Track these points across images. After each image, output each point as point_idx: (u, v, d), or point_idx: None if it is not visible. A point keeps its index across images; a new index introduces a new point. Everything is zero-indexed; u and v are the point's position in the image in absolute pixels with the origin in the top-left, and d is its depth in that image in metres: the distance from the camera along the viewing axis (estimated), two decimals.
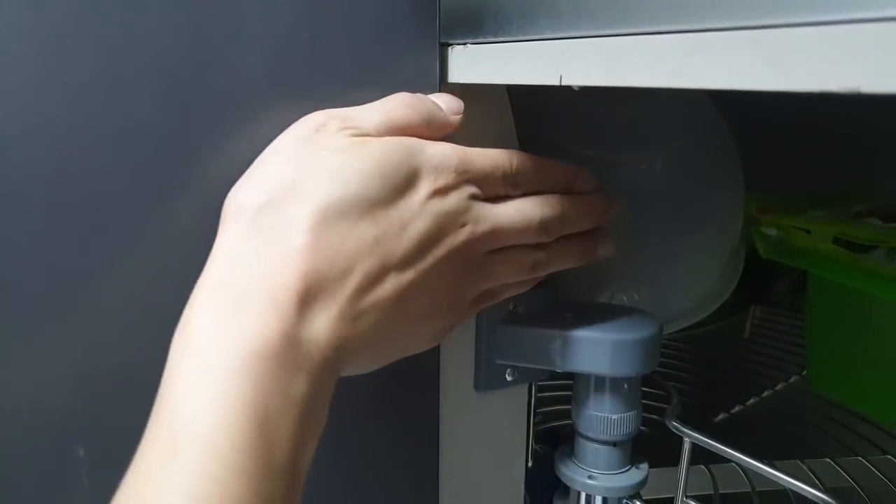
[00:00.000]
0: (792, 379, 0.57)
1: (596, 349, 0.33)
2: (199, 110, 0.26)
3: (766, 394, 0.54)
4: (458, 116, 0.29)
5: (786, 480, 0.32)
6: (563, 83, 0.23)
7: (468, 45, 0.29)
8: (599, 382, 0.36)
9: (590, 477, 0.36)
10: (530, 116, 0.34)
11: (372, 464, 0.34)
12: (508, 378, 0.36)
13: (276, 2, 0.26)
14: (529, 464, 0.40)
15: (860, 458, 0.46)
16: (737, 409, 0.52)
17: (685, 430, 0.35)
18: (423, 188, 0.26)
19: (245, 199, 0.25)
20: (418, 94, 0.28)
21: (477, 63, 0.28)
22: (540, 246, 0.31)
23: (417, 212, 0.25)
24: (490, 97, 0.32)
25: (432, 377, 0.34)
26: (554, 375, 0.38)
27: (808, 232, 0.46)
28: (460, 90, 0.30)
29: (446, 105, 0.29)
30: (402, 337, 0.28)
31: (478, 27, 0.29)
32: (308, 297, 0.23)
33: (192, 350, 0.22)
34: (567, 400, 0.38)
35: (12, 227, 0.25)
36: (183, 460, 0.20)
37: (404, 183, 0.25)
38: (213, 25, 0.25)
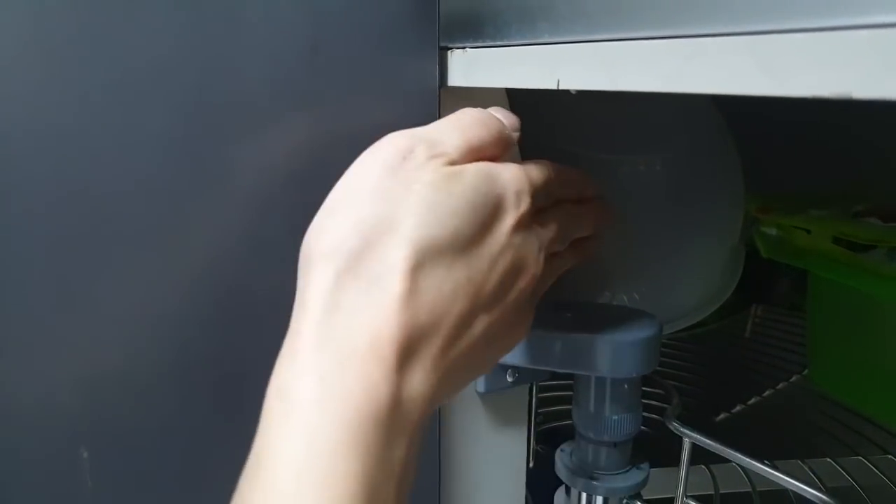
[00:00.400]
0: (793, 378, 0.57)
1: (596, 350, 0.33)
2: (203, 117, 0.26)
3: (766, 393, 0.54)
4: (518, 134, 0.28)
5: (786, 480, 0.32)
6: (561, 87, 0.24)
7: (467, 48, 0.29)
8: (600, 383, 0.36)
9: (590, 477, 0.37)
10: (530, 118, 0.34)
11: None
12: (509, 379, 0.37)
13: (276, 9, 0.26)
14: (531, 464, 0.40)
15: (861, 458, 0.46)
16: (738, 408, 0.52)
17: (685, 430, 0.35)
18: (508, 220, 0.25)
19: (336, 241, 0.22)
20: (482, 110, 0.27)
21: (476, 67, 0.29)
22: (555, 253, 0.30)
23: (505, 245, 0.24)
24: (489, 100, 0.32)
25: None
26: (555, 375, 0.38)
27: (809, 231, 0.46)
28: (460, 93, 0.31)
29: (507, 121, 0.28)
30: (483, 368, 0.27)
31: (477, 31, 0.29)
32: (409, 351, 0.22)
33: (293, 417, 0.20)
34: (568, 400, 0.38)
35: (18, 232, 0.25)
36: None
37: (491, 214, 0.24)
38: (215, 33, 0.26)
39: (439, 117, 0.30)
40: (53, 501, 0.28)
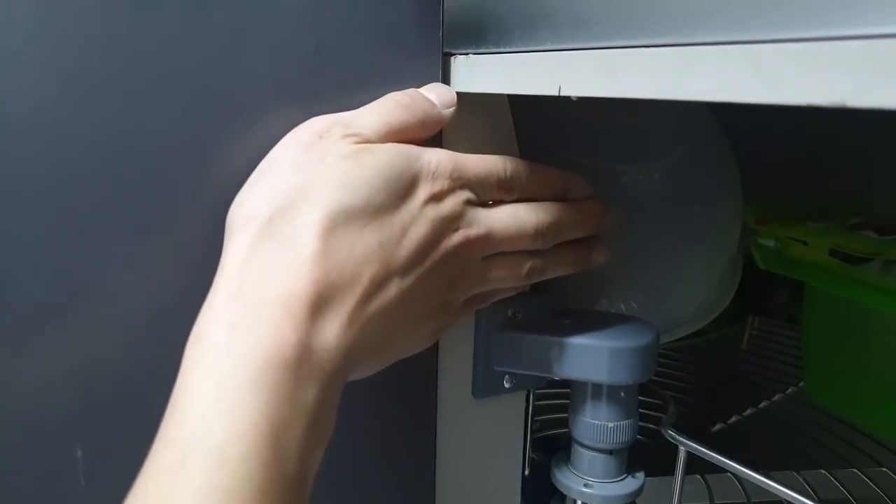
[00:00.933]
0: (789, 390, 0.57)
1: (593, 357, 0.34)
2: (206, 114, 0.26)
3: (763, 404, 0.54)
4: (451, 109, 0.29)
5: (781, 491, 0.32)
6: (562, 94, 0.24)
7: (470, 54, 0.29)
8: (596, 390, 0.36)
9: (586, 485, 0.37)
10: (531, 125, 0.35)
11: (369, 469, 0.34)
12: (506, 385, 0.37)
13: (281, 10, 0.27)
14: (526, 471, 0.40)
15: (855, 470, 0.46)
16: (734, 419, 0.52)
17: (680, 438, 0.35)
18: (421, 194, 0.26)
19: (253, 208, 0.25)
20: (411, 92, 0.29)
21: (478, 73, 0.29)
22: (535, 253, 0.31)
23: (416, 217, 0.26)
24: (491, 106, 0.32)
25: (430, 383, 0.35)
26: (552, 384, 0.38)
27: (805, 243, 0.46)
28: (462, 99, 0.31)
29: (439, 99, 0.29)
30: (401, 340, 0.29)
31: (480, 38, 0.29)
32: (320, 305, 0.23)
33: (205, 361, 0.22)
34: (565, 408, 0.38)
35: (16, 227, 0.25)
36: (194, 471, 0.20)
37: (405, 189, 0.26)
38: (220, 31, 0.26)
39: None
40: (46, 500, 0.28)
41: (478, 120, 0.32)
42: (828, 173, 0.56)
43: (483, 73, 0.29)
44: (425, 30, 0.29)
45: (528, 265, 0.31)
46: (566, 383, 0.37)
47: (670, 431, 0.36)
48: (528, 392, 0.39)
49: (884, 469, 0.46)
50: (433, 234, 0.27)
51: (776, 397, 0.56)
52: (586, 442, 0.37)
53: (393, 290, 0.26)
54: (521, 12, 0.28)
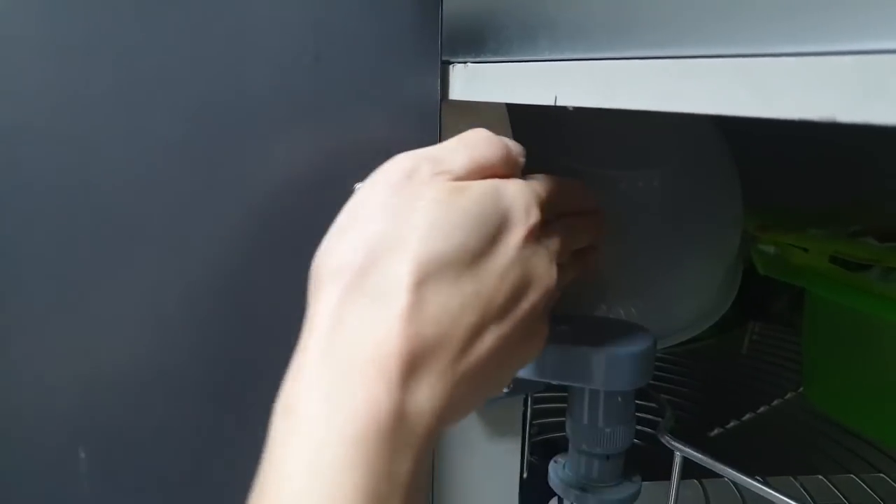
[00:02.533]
0: (788, 395, 0.57)
1: (590, 362, 0.34)
2: (207, 123, 0.27)
3: (761, 409, 0.55)
4: (524, 159, 0.29)
5: (777, 497, 0.32)
6: (559, 103, 0.24)
7: (469, 63, 0.29)
8: (593, 395, 0.36)
9: (583, 489, 0.37)
10: (529, 133, 0.35)
11: None
12: (504, 390, 0.37)
13: (280, 18, 0.27)
14: (524, 475, 0.41)
15: (853, 476, 0.46)
16: (732, 423, 0.52)
17: (676, 444, 0.35)
18: (516, 234, 0.25)
19: (343, 259, 0.23)
20: (492, 133, 0.28)
21: (477, 81, 0.29)
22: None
23: (513, 259, 0.25)
24: (489, 114, 0.33)
25: None
26: (550, 387, 0.38)
27: (806, 250, 0.46)
28: (460, 107, 0.31)
29: (514, 147, 0.28)
30: (496, 385, 0.27)
31: (479, 46, 0.30)
32: (414, 363, 0.22)
33: (300, 430, 0.21)
34: (562, 412, 0.39)
35: (22, 232, 0.25)
36: None
37: (497, 229, 0.24)
38: (220, 39, 0.26)
39: (440, 130, 0.31)
40: (50, 501, 0.28)
41: (476, 128, 0.32)
42: (828, 180, 0.56)
43: (481, 81, 0.29)
44: (424, 38, 0.29)
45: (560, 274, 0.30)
46: (564, 387, 0.37)
47: (666, 436, 0.36)
48: (526, 396, 0.39)
49: (882, 475, 0.46)
50: (528, 273, 0.25)
51: (775, 402, 0.56)
52: (583, 446, 0.37)
53: (489, 339, 0.24)
54: (521, 22, 0.28)
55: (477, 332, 0.23)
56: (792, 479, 0.45)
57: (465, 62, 0.30)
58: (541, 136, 0.39)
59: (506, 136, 0.33)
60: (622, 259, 0.40)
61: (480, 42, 0.30)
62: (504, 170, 0.27)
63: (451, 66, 0.30)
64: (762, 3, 0.18)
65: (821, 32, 0.16)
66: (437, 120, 0.31)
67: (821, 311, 0.51)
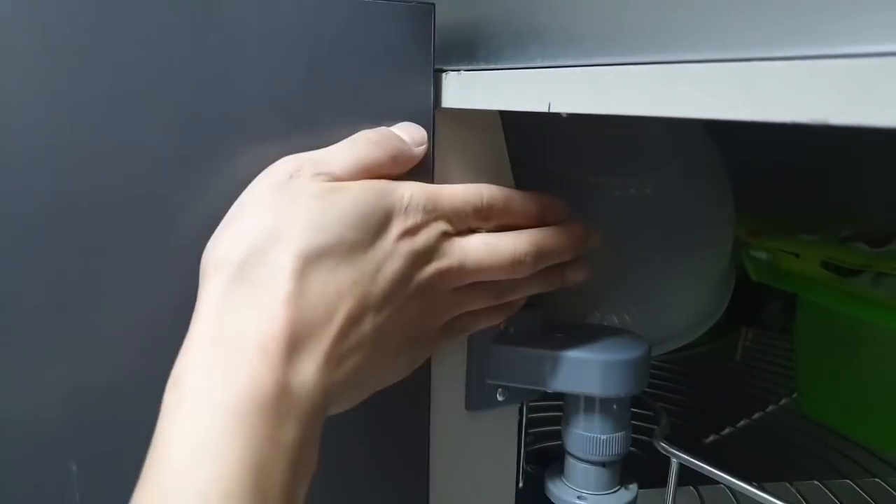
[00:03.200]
0: (782, 401, 0.57)
1: (585, 370, 0.34)
2: (200, 132, 0.27)
3: (756, 416, 0.55)
4: (423, 147, 0.30)
5: (774, 503, 0.32)
6: (552, 110, 0.24)
7: (461, 71, 0.30)
8: (589, 403, 0.36)
9: (579, 497, 0.37)
10: (521, 140, 0.35)
11: (362, 483, 0.34)
12: (499, 398, 0.37)
13: (274, 28, 0.27)
14: (520, 484, 0.40)
15: (848, 481, 0.46)
16: (727, 430, 0.52)
17: (672, 450, 0.35)
18: (395, 229, 0.27)
19: (226, 252, 0.25)
20: (382, 130, 0.29)
21: (470, 89, 0.29)
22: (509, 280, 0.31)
23: (390, 252, 0.26)
24: (482, 122, 0.33)
25: (423, 396, 0.35)
26: (546, 395, 0.38)
27: (797, 256, 0.47)
28: (453, 114, 0.31)
29: (410, 137, 0.29)
30: (378, 373, 0.29)
31: (471, 55, 0.30)
32: (295, 344, 0.23)
33: (185, 405, 0.22)
34: (558, 420, 0.38)
35: (12, 243, 0.25)
36: None
37: (378, 225, 0.26)
38: (213, 50, 0.26)
39: (433, 138, 0.31)
40: None
41: (469, 136, 0.32)
42: (819, 186, 0.56)
43: (474, 89, 0.29)
44: (417, 46, 0.30)
45: (499, 287, 0.31)
46: (559, 395, 0.37)
47: (662, 443, 0.36)
48: (522, 404, 0.39)
49: (876, 479, 0.47)
50: (407, 268, 0.27)
51: (770, 408, 0.56)
52: (579, 454, 0.37)
53: (368, 325, 0.26)
54: (511, 30, 0.28)
55: (356, 318, 0.25)
56: (788, 485, 0.45)
57: (457, 70, 0.30)
58: (533, 143, 0.39)
59: (499, 144, 0.34)
60: (615, 266, 0.40)
61: (472, 50, 0.30)
62: (394, 168, 0.28)
63: (444, 74, 0.30)
64: (751, 8, 0.18)
65: (810, 36, 0.16)
66: (431, 128, 0.31)
67: (813, 316, 0.51)
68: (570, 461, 0.38)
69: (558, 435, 0.38)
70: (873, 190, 0.54)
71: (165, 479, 0.21)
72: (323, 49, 0.28)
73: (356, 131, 0.29)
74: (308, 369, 0.24)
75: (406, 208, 0.27)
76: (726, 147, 0.46)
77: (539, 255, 0.31)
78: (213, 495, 0.20)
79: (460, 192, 0.29)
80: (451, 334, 0.32)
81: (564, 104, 0.24)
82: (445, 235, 0.28)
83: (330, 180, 0.26)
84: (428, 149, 0.30)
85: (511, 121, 0.34)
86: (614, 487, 0.37)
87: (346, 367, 0.25)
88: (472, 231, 0.30)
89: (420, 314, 0.28)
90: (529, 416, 0.44)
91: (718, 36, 0.19)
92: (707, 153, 0.45)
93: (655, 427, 0.38)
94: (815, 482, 0.45)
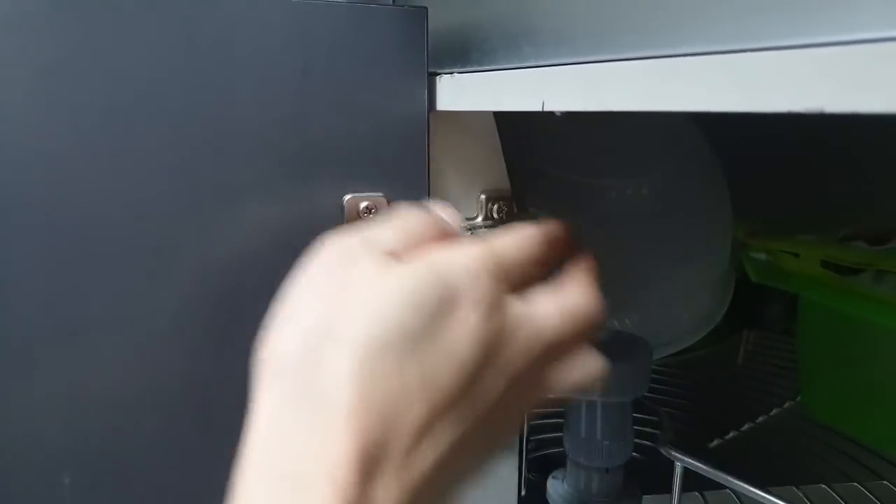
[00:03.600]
0: (786, 404, 0.56)
1: None
2: (193, 136, 0.26)
3: (760, 419, 0.54)
4: (462, 224, 0.27)
5: None
6: (546, 109, 0.24)
7: (455, 73, 0.29)
8: (591, 408, 0.36)
9: None
10: (517, 143, 0.35)
11: None
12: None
13: (267, 32, 0.27)
14: (522, 492, 0.40)
15: (856, 485, 0.45)
16: (731, 434, 0.52)
17: (677, 454, 0.35)
18: (463, 308, 0.22)
19: (279, 353, 0.22)
20: (423, 207, 0.26)
21: (464, 91, 0.29)
22: None
23: (461, 337, 0.22)
24: (477, 124, 0.33)
25: None
26: (546, 402, 0.37)
27: (797, 255, 0.46)
28: (448, 117, 0.31)
29: (448, 217, 0.27)
30: (463, 472, 0.24)
31: (465, 58, 0.30)
32: (365, 466, 0.20)
33: None
34: (559, 427, 0.38)
35: (8, 254, 0.25)
36: None
37: (440, 304, 0.22)
38: (205, 53, 0.26)
39: (428, 141, 0.31)
40: None
41: (464, 138, 0.32)
42: (817, 185, 0.56)
43: (468, 90, 0.29)
44: (411, 50, 0.29)
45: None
46: (560, 402, 0.37)
47: (666, 447, 0.35)
48: None
49: (884, 482, 0.46)
50: (483, 352, 0.22)
51: (774, 412, 0.55)
52: (582, 460, 0.36)
53: (445, 433, 0.22)
54: (504, 32, 0.28)
55: (428, 422, 0.21)
56: (795, 489, 0.44)
57: (451, 73, 0.30)
58: (529, 146, 0.39)
59: (494, 147, 0.34)
60: (612, 269, 0.40)
61: (466, 53, 0.30)
62: (443, 241, 0.25)
63: (438, 78, 0.30)
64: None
65: (802, 25, 0.16)
66: (426, 131, 0.30)
67: (815, 316, 0.51)
68: (572, 467, 0.37)
69: (560, 442, 0.38)
70: (872, 188, 0.53)
71: None
72: (317, 54, 0.28)
73: (351, 136, 0.29)
74: (382, 493, 0.20)
75: (470, 275, 0.23)
76: (723, 148, 0.46)
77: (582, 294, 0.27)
78: None
79: (516, 244, 0.25)
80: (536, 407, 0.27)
81: (558, 102, 0.23)
82: (516, 303, 0.24)
83: (383, 258, 0.23)
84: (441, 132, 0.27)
85: (506, 123, 0.34)
86: (618, 494, 0.37)
87: (425, 478, 0.21)
88: (528, 282, 0.26)
89: (506, 401, 0.24)
90: (530, 423, 0.43)
91: (710, 28, 0.19)
92: (703, 155, 0.45)
93: (658, 433, 0.38)
94: (823, 486, 0.45)
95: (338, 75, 0.28)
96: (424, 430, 0.21)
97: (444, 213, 0.27)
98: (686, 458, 0.34)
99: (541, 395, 0.26)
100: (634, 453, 0.37)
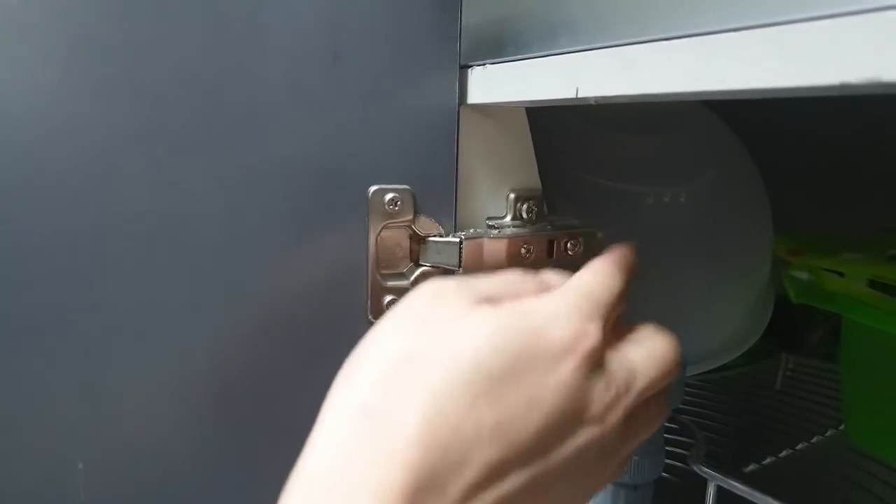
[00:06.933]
0: (828, 433, 0.54)
1: None
2: (223, 119, 0.26)
3: (800, 446, 0.51)
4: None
5: None
6: (580, 95, 0.23)
7: (487, 65, 0.29)
8: None
9: None
10: (552, 148, 0.34)
11: None
12: None
13: (297, 16, 0.27)
14: None
15: None
16: (768, 460, 0.49)
17: (710, 472, 0.33)
18: (549, 352, 0.21)
19: (357, 373, 0.22)
20: (530, 272, 0.26)
21: (495, 83, 0.29)
22: None
23: (546, 385, 0.21)
24: (509, 120, 0.32)
25: None
26: None
27: (842, 275, 0.44)
28: (479, 110, 0.30)
29: (555, 283, 0.26)
30: None
31: (498, 50, 0.29)
32: (418, 497, 0.19)
33: None
34: None
35: (29, 231, 0.25)
36: None
37: (527, 348, 0.21)
38: (236, 36, 0.26)
39: (458, 135, 0.30)
40: None
41: (495, 134, 0.32)
42: (864, 200, 0.54)
43: (500, 82, 0.28)
44: (443, 40, 0.29)
45: (666, 401, 0.26)
46: None
47: (699, 465, 0.34)
48: None
49: None
50: (570, 402, 0.21)
51: (815, 440, 0.53)
52: None
53: (516, 478, 0.21)
54: (540, 24, 0.27)
55: (496, 470, 0.20)
56: None
57: (483, 64, 0.29)
58: (563, 151, 0.38)
59: (525, 145, 0.33)
60: (647, 280, 0.39)
61: (499, 46, 0.29)
62: (542, 292, 0.24)
63: (469, 70, 0.30)
64: None
65: None
66: (455, 124, 0.30)
67: (859, 339, 0.48)
68: None
69: None
70: None
71: None
72: (348, 39, 0.27)
73: (380, 125, 0.28)
74: None
75: (557, 318, 0.22)
76: (764, 161, 0.44)
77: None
78: None
79: (601, 282, 0.24)
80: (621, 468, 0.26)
81: (593, 87, 0.23)
82: (604, 347, 0.23)
83: (475, 301, 0.23)
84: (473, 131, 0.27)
85: (541, 127, 0.33)
86: None
87: None
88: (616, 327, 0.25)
89: (591, 460, 0.22)
90: None
91: (755, 1, 0.18)
92: (744, 166, 0.44)
93: (691, 449, 0.36)
94: None
95: (368, 62, 0.28)
96: (491, 475, 0.20)
97: (552, 275, 0.26)
98: (720, 477, 0.33)
99: (626, 453, 0.24)
100: (664, 473, 0.36)
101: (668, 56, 0.20)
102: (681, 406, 0.33)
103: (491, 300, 0.23)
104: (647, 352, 0.24)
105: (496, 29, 0.30)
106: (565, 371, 0.21)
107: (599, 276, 0.25)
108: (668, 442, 0.36)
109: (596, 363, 0.22)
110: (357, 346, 0.23)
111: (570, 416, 0.21)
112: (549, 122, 0.34)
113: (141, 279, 0.26)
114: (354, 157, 0.28)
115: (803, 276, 0.47)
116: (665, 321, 0.41)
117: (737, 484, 0.32)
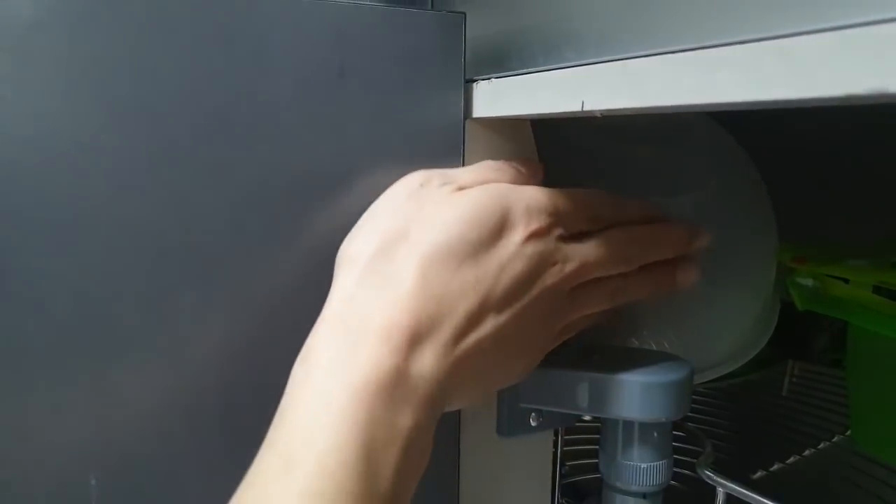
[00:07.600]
0: (835, 438, 0.53)
1: (624, 391, 0.32)
2: (228, 136, 0.27)
3: (807, 453, 0.51)
4: (539, 179, 0.31)
5: None
6: (585, 108, 0.24)
7: (492, 79, 0.29)
8: (628, 428, 0.34)
9: None
10: (557, 159, 0.34)
11: None
12: (533, 423, 0.35)
13: (304, 34, 0.27)
14: None
15: None
16: (776, 466, 0.49)
17: (718, 479, 0.33)
18: (518, 231, 0.28)
19: (360, 247, 0.27)
20: (502, 160, 0.31)
21: (500, 96, 0.29)
22: (621, 274, 0.32)
23: (514, 254, 0.27)
24: (514, 134, 0.32)
25: (452, 420, 0.33)
26: (581, 428, 0.36)
27: (847, 281, 0.44)
28: (484, 124, 0.31)
29: (526, 169, 0.31)
30: (495, 374, 0.29)
31: (502, 64, 0.30)
32: (417, 335, 0.25)
33: (310, 381, 0.24)
34: (595, 453, 0.36)
35: (43, 251, 0.25)
36: (297, 476, 0.22)
37: (499, 226, 0.27)
38: (242, 54, 0.26)
39: (463, 148, 0.31)
40: None
41: (500, 148, 0.32)
42: (869, 207, 0.54)
43: (505, 95, 0.29)
44: (448, 55, 0.29)
45: (612, 286, 0.32)
46: (596, 425, 0.35)
47: (707, 472, 0.34)
48: (558, 433, 0.37)
49: None
50: (530, 270, 0.28)
51: (822, 446, 0.52)
52: (618, 484, 0.35)
53: (489, 325, 0.27)
54: (545, 39, 0.28)
55: (477, 315, 0.26)
56: None
57: (488, 78, 0.29)
58: (569, 162, 0.38)
59: (531, 156, 0.33)
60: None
61: (504, 60, 0.30)
62: (514, 182, 0.30)
63: (475, 84, 0.30)
64: None
65: (859, 3, 0.15)
66: (461, 138, 0.30)
67: (865, 346, 0.48)
68: (608, 492, 0.35)
69: (596, 469, 0.36)
70: None
71: (290, 443, 0.23)
72: (353, 55, 0.28)
73: (386, 139, 0.29)
74: (426, 360, 0.25)
75: (528, 211, 0.28)
76: (768, 169, 0.44)
77: (644, 247, 0.32)
78: (331, 462, 0.22)
79: (576, 197, 0.30)
80: (565, 335, 0.33)
81: (598, 101, 0.23)
82: (562, 238, 0.29)
83: (456, 188, 0.28)
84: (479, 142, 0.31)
85: (545, 139, 0.33)
86: None
87: (463, 363, 0.26)
88: (583, 234, 0.30)
89: (541, 316, 0.29)
90: (564, 448, 0.42)
91: (760, 14, 0.18)
92: (748, 175, 0.44)
93: (698, 458, 0.36)
94: None
95: (374, 78, 0.28)
96: (473, 320, 0.26)
97: (523, 166, 0.31)
98: (728, 483, 0.33)
99: (567, 315, 0.31)
100: (673, 482, 0.36)
101: (674, 69, 0.20)
102: (688, 414, 0.33)
103: (470, 187, 0.28)
104: (598, 241, 0.30)
105: (501, 43, 0.30)
106: (521, 242, 0.27)
107: (578, 193, 0.31)
108: (676, 450, 0.36)
109: (549, 245, 0.28)
110: (360, 223, 0.28)
111: (528, 280, 0.28)
112: (553, 134, 0.34)
113: (151, 294, 0.27)
114: (362, 172, 0.29)
115: (808, 282, 0.47)
116: (671, 330, 0.41)
117: (745, 491, 0.32)
